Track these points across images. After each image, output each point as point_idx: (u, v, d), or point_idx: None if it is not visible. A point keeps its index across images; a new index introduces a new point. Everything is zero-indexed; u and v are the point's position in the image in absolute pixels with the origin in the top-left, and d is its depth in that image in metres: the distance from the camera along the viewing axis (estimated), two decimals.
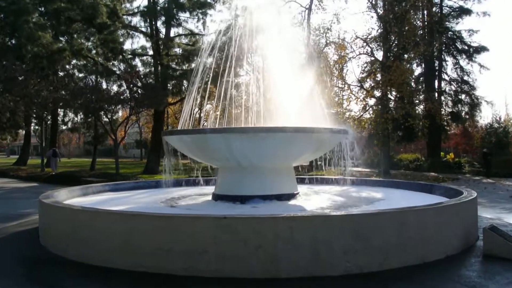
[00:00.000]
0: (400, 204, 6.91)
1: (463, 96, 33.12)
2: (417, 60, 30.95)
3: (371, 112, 25.61)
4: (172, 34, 30.02)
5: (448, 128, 34.20)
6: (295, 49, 12.19)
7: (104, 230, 5.90)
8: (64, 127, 43.84)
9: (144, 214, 5.91)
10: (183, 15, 29.04)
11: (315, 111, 9.31)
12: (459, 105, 33.00)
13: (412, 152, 36.22)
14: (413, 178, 21.45)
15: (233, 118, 12.01)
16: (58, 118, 38.25)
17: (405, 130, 30.62)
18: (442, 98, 32.63)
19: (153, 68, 29.37)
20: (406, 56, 26.36)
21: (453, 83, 33.39)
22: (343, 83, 25.41)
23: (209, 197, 8.66)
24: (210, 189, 9.25)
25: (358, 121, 24.25)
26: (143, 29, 29.98)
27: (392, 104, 26.46)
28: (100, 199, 8.87)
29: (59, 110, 34.55)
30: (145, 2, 29.59)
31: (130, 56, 30.05)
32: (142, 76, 28.23)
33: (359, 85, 25.92)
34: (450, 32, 33.09)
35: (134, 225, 5.72)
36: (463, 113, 33.16)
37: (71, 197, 8.80)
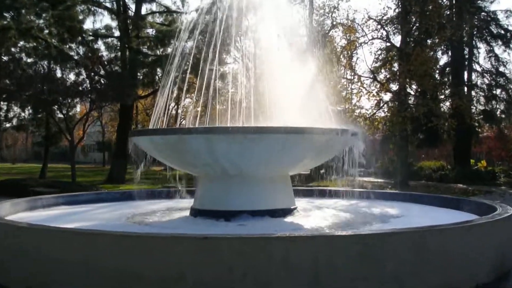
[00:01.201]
0: (419, 222, 6.97)
1: (498, 91, 33.35)
2: (442, 47, 31.21)
3: (386, 109, 25.78)
4: (143, 12, 30.03)
5: (479, 130, 34.42)
6: (294, 31, 12.25)
7: (56, 252, 5.88)
8: (7, 125, 43.45)
9: (107, 233, 5.90)
10: None
11: (318, 108, 9.35)
12: (493, 102, 33.24)
13: (436, 159, 36.44)
14: (437, 190, 21.61)
15: (217, 116, 12.03)
16: (0, 113, 38.02)
17: (427, 132, 30.78)
18: (473, 93, 32.91)
19: (119, 53, 29.29)
20: (429, 41, 26.58)
21: (486, 75, 33.62)
22: (353, 74, 25.56)
23: (187, 213, 8.66)
24: (188, 202, 9.25)
25: (370, 121, 24.40)
26: (108, 5, 29.96)
27: (411, 100, 26.64)
28: (52, 215, 8.81)
29: (1, 103, 34.29)
30: None
31: (91, 37, 29.93)
32: (106, 63, 28.13)
33: (371, 76, 26.08)
34: (483, 13, 33.36)
35: (94, 247, 5.71)
36: (498, 112, 33.41)
37: (14, 212, 8.72)
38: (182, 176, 11.16)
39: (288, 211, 8.13)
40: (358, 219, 8.19)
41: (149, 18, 30.25)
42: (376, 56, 26.79)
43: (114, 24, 30.86)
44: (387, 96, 26.48)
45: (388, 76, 26.06)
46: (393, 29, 27.43)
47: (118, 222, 8.06)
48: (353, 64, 25.50)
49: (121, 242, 5.65)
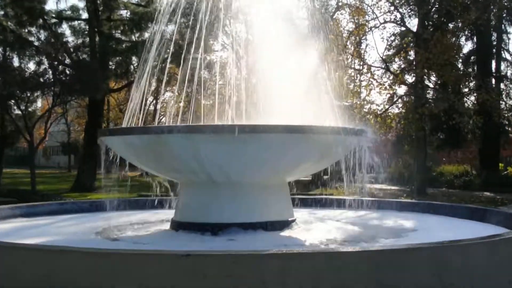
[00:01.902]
0: (439, 236, 6.97)
1: None
2: (466, 32, 31.36)
3: (400, 105, 25.90)
4: None
5: (510, 129, 34.60)
6: (293, 14, 12.28)
7: (11, 272, 5.84)
8: None
9: (72, 250, 5.87)
10: None
11: (321, 104, 9.37)
12: None
13: (459, 163, 36.55)
14: (460, 199, 21.71)
15: (203, 112, 12.03)
16: None
17: (448, 131, 30.94)
18: (502, 86, 33.06)
19: (88, 39, 29.24)
20: (450, 25, 26.71)
21: None
22: (362, 63, 25.65)
23: (167, 226, 8.65)
24: (169, 213, 9.23)
25: (382, 118, 24.50)
26: None
27: (430, 94, 26.80)
28: (7, 228, 8.75)
29: None
30: None
31: (54, 20, 29.85)
32: (72, 50, 28.08)
33: (383, 66, 26.21)
34: None
35: (57, 266, 5.68)
36: None
37: None
38: (162, 183, 11.13)
39: (285, 224, 8.12)
40: (368, 233, 8.19)
41: None
42: (389, 43, 26.99)
43: (81, 4, 30.82)
44: (401, 90, 26.63)
45: (402, 66, 26.22)
46: (409, 11, 27.56)
47: (86, 237, 8.01)
48: (362, 52, 25.62)
49: (88, 261, 5.63)
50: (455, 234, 7.18)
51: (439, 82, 26.16)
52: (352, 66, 26.12)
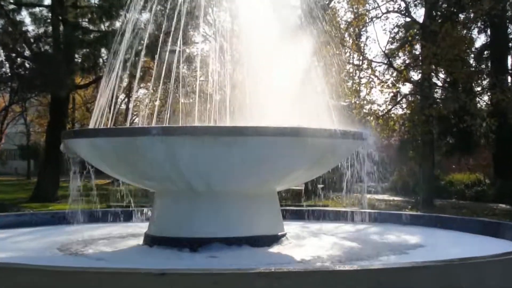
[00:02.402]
0: (447, 253, 7.02)
1: None
2: (479, 24, 31.54)
3: (404, 105, 26.00)
4: None
5: None
6: (284, 2, 12.34)
7: None
8: None
9: (31, 268, 5.85)
10: None
11: (315, 103, 9.39)
12: None
13: (470, 171, 36.69)
14: (472, 212, 21.80)
15: (181, 112, 12.01)
16: None
17: (459, 135, 31.06)
18: None
19: (50, 28, 29.11)
20: (461, 16, 26.87)
21: None
22: (361, 58, 25.76)
23: (140, 240, 8.64)
24: (142, 227, 9.22)
25: (384, 120, 24.60)
26: None
27: (438, 93, 26.92)
28: None
29: None
30: None
31: (12, 6, 29.70)
32: (32, 41, 27.95)
33: (386, 61, 26.31)
34: None
35: (13, 286, 5.65)
36: None
37: None
38: (134, 192, 11.11)
39: (274, 239, 8.13)
40: (367, 250, 8.21)
41: None
42: (392, 35, 27.14)
43: None
44: (406, 88, 26.74)
45: (407, 62, 26.30)
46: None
47: (48, 253, 7.98)
48: (362, 45, 25.75)
49: (49, 280, 5.60)
50: (466, 251, 7.24)
51: (448, 79, 26.29)
52: (351, 61, 26.21)
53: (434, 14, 26.24)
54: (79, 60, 29.24)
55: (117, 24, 27.20)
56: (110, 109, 9.41)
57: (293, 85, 9.70)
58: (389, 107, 25.56)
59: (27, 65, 25.65)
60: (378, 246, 8.59)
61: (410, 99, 26.00)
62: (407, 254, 7.95)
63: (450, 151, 34.02)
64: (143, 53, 12.03)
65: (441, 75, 26.78)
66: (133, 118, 32.88)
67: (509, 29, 33.45)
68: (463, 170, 37.73)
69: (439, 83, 27.20)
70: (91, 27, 29.26)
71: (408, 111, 25.35)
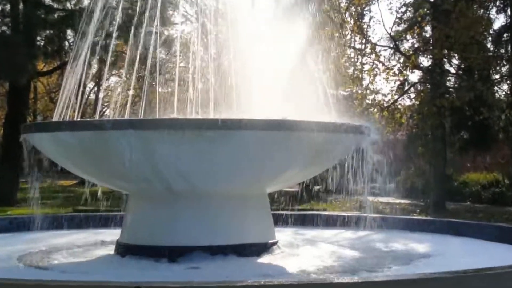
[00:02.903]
0: (460, 263, 7.04)
1: None
2: (497, 3, 31.58)
3: (413, 95, 26.04)
4: None
5: None
6: None
7: None
8: None
9: None
10: None
11: (311, 93, 9.40)
12: None
13: (487, 170, 36.74)
14: (488, 216, 21.86)
15: (158, 103, 11.99)
16: None
17: (474, 129, 31.02)
18: None
19: (9, 6, 28.97)
20: None
21: None
22: (364, 41, 25.75)
23: (111, 249, 8.66)
24: (114, 234, 9.23)
25: (390, 112, 24.62)
26: None
27: (451, 82, 26.94)
28: None
29: None
30: None
31: None
32: None
33: (391, 45, 26.33)
34: None
35: None
36: None
37: None
38: (105, 195, 11.07)
39: (264, 247, 8.17)
40: (370, 260, 8.25)
41: None
42: (399, 15, 27.06)
43: None
44: (414, 75, 26.78)
45: (416, 46, 26.31)
46: None
47: (6, 263, 7.95)
48: (365, 27, 25.69)
49: None
50: (482, 261, 7.24)
51: (462, 66, 26.25)
52: (352, 45, 26.21)
53: None
54: (42, 43, 29.09)
55: (86, 1, 27.09)
56: (77, 99, 9.37)
57: (287, 72, 9.71)
58: (395, 97, 25.55)
59: None
60: (382, 256, 8.63)
61: (419, 88, 26.03)
62: (415, 265, 7.98)
63: (464, 147, 33.89)
64: (114, 35, 12.00)
65: (455, 61, 26.76)
66: (104, 109, 32.89)
67: None
68: (479, 169, 37.70)
69: (452, 70, 27.17)
70: (55, 5, 29.09)
71: (417, 102, 25.35)
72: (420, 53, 26.06)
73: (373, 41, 25.80)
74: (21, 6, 28.23)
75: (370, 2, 25.83)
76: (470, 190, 31.39)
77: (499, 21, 33.46)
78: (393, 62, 25.76)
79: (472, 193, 31.10)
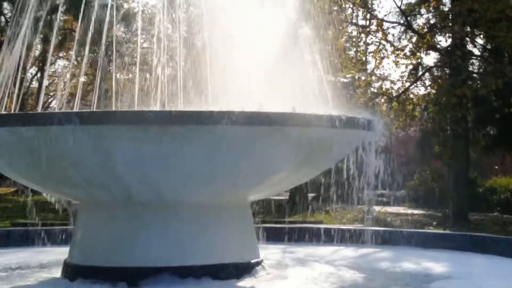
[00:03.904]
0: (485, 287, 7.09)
1: None
2: None
3: (428, 82, 26.10)
4: None
5: None
6: None
7: None
8: None
9: None
10: None
11: (304, 80, 9.42)
12: None
13: None
14: None
15: (116, 91, 11.97)
16: None
17: (503, 123, 31.19)
18: None
19: None
20: None
21: None
22: (369, 17, 25.80)
23: (57, 272, 8.64)
24: (60, 253, 9.21)
25: (400, 103, 24.69)
26: None
27: (475, 66, 27.03)
28: None
29: None
30: None
31: None
32: None
33: (402, 22, 26.38)
34: None
35: None
36: None
37: None
38: (50, 204, 11.06)
39: (245, 268, 8.19)
40: (375, 283, 8.28)
41: None
42: None
43: None
44: (430, 58, 26.91)
45: (432, 22, 26.38)
46: None
47: None
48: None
49: None
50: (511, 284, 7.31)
51: (488, 46, 26.36)
52: (354, 21, 26.27)
53: None
54: None
55: None
56: (15, 87, 9.36)
57: (273, 55, 9.74)
58: (407, 84, 25.63)
59: None
60: (389, 279, 8.66)
61: (435, 73, 26.11)
62: None
63: (490, 146, 34.06)
64: (61, 9, 12.00)
65: (479, 41, 26.86)
66: (49, 100, 32.83)
67: None
68: (509, 172, 37.88)
69: (476, 52, 27.30)
70: None
71: (433, 91, 25.43)
72: (437, 31, 26.12)
73: (380, 16, 25.87)
74: None
75: None
76: (498, 198, 31.45)
77: None
78: (404, 42, 25.87)
79: (500, 201, 31.16)
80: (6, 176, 8.74)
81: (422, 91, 26.24)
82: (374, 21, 25.64)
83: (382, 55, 25.15)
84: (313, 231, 12.18)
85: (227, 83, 9.40)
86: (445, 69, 25.53)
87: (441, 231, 17.08)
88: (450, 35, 25.36)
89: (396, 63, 25.14)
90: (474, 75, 26.10)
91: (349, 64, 24.26)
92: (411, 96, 25.63)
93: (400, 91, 25.28)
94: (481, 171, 36.79)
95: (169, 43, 10.75)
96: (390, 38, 25.62)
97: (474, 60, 27.15)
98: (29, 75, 34.20)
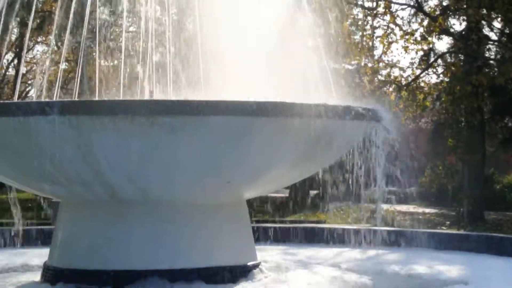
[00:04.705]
0: None
1: None
2: None
3: (440, 69, 26.08)
4: None
5: None
6: None
7: None
8: None
9: None
10: None
11: (304, 67, 9.41)
12: None
13: None
14: None
15: (99, 79, 11.96)
16: None
17: None
18: None
19: None
20: None
21: None
22: None
23: (36, 275, 8.65)
24: (40, 255, 9.23)
25: (410, 92, 24.66)
26: None
27: (492, 52, 27.01)
28: None
29: None
30: None
31: None
32: None
33: (412, 3, 26.35)
34: None
35: None
36: None
37: None
38: (29, 202, 11.06)
39: (241, 272, 8.22)
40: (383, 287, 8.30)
41: None
42: None
43: None
44: (442, 43, 26.93)
45: (445, 4, 26.37)
46: None
47: None
48: None
49: None
50: None
51: (506, 31, 26.35)
52: (360, 3, 26.27)
53: None
54: None
55: None
56: None
57: (271, 39, 9.74)
58: (417, 72, 25.63)
59: None
60: (398, 283, 8.67)
61: (449, 60, 26.08)
62: None
63: (509, 140, 34.00)
64: None
65: (496, 24, 26.85)
66: (26, 89, 32.80)
67: None
68: None
69: (493, 36, 27.28)
70: None
71: (446, 79, 25.41)
72: (450, 13, 26.10)
73: None
74: None
75: None
76: None
77: None
78: (414, 26, 25.83)
79: None
80: None
81: (434, 79, 26.23)
82: (382, 3, 25.61)
83: (390, 39, 25.14)
84: (315, 231, 12.20)
85: (220, 70, 9.40)
86: (459, 55, 25.53)
87: (455, 232, 17.09)
88: (465, 18, 25.35)
89: (406, 48, 25.11)
90: (491, 61, 26.06)
91: (355, 49, 24.24)
92: (422, 84, 25.60)
93: (410, 79, 25.29)
94: (499, 167, 36.75)
95: (157, 26, 10.74)
96: (399, 21, 25.63)
97: (490, 46, 27.10)
98: (5, 62, 34.16)
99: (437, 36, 25.50)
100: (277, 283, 8.30)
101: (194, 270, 7.93)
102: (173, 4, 11.29)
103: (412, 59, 25.57)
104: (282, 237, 11.83)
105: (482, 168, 27.13)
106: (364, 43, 25.33)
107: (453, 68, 25.01)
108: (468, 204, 25.17)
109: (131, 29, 13.30)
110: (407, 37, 24.91)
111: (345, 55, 22.88)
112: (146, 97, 9.70)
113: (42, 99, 10.79)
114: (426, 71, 26.00)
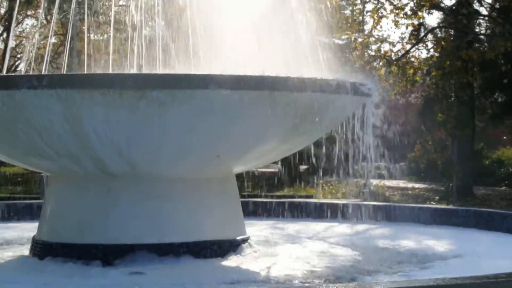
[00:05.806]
0: (491, 266, 7.10)
1: None
2: None
3: (430, 44, 26.05)
4: None
5: None
6: None
7: None
8: None
9: None
10: None
11: (294, 41, 9.39)
12: None
13: None
14: None
15: (88, 54, 11.92)
16: None
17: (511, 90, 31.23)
18: None
19: None
20: None
21: None
22: None
23: (25, 249, 8.67)
24: (29, 229, 9.26)
25: (400, 67, 24.64)
26: None
27: (482, 27, 26.98)
28: None
29: None
30: None
31: None
32: None
33: None
34: None
35: None
36: None
37: None
38: (18, 176, 11.04)
39: (230, 246, 8.22)
40: (372, 262, 8.28)
41: None
42: None
43: None
44: (432, 18, 26.91)
45: None
46: None
47: None
48: None
49: None
50: None
51: (497, 5, 26.33)
52: None
53: None
54: None
55: None
56: None
57: (261, 13, 9.69)
58: (407, 47, 25.59)
59: None
60: (387, 257, 8.68)
61: (439, 35, 26.05)
62: (430, 268, 8.04)
63: (498, 115, 33.99)
64: None
65: None
66: (15, 63, 32.72)
67: None
68: None
69: (483, 11, 27.26)
70: None
71: (436, 54, 25.39)
72: None
73: None
74: None
75: None
76: (506, 171, 31.48)
77: None
78: (405, 0, 25.73)
79: (508, 174, 31.19)
80: None
81: (424, 54, 26.19)
82: None
83: (380, 14, 25.08)
84: (305, 206, 12.18)
85: (210, 43, 9.36)
86: (449, 30, 25.48)
87: (444, 206, 17.11)
88: None
89: (396, 23, 25.05)
90: (481, 36, 26.06)
91: (345, 24, 24.22)
92: (412, 59, 25.53)
93: (400, 54, 25.24)
94: (488, 142, 36.76)
95: (148, 0, 10.68)
96: None
97: (481, 20, 27.10)
98: None
99: (427, 11, 25.46)
100: (266, 257, 8.29)
101: (182, 244, 7.93)
102: None
103: (402, 33, 25.52)
104: (271, 212, 11.81)
105: (471, 143, 27.17)
106: (354, 17, 25.26)
107: (443, 43, 24.99)
108: (457, 179, 25.22)
109: (120, 2, 13.21)
110: (397, 11, 24.84)
111: (335, 30, 22.83)
112: (135, 71, 9.67)
113: (32, 73, 10.70)
114: (416, 46, 25.96)
